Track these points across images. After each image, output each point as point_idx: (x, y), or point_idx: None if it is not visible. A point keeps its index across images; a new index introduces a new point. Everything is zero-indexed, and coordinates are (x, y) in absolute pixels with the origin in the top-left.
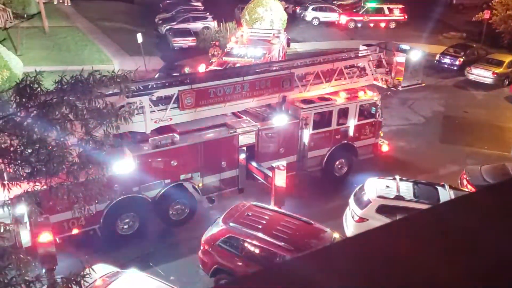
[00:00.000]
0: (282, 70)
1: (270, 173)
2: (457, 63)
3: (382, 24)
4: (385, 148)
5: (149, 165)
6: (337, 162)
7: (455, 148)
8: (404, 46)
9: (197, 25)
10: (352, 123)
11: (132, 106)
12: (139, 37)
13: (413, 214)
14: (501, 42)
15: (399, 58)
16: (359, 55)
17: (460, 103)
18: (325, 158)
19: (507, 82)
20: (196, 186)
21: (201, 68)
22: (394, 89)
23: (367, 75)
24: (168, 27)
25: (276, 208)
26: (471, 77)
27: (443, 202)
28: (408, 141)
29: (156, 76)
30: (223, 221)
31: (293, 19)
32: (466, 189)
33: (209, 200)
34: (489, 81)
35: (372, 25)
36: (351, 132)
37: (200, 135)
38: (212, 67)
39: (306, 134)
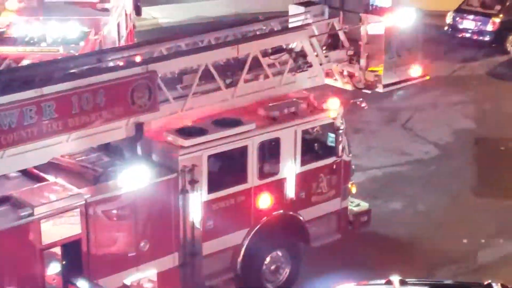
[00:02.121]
0: (130, 67)
1: None
2: (489, 28)
3: None
4: (363, 217)
5: None
6: (268, 260)
7: (505, 205)
8: (381, 1)
9: None
10: (290, 169)
11: None
12: None
13: None
14: None
15: (373, 28)
16: (290, 25)
17: (506, 109)
18: (241, 253)
19: None
20: None
21: None
22: (369, 91)
23: (310, 66)
24: None
25: None
26: None
27: None
28: (411, 197)
29: None
30: None
31: None
32: None
33: None
34: None
35: None
36: (290, 191)
37: None
38: None
39: (196, 204)
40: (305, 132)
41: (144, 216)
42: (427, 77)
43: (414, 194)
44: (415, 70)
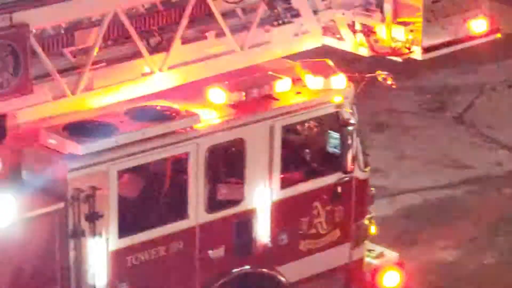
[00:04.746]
0: None
1: None
2: None
3: None
4: (390, 277)
5: None
6: None
7: None
8: None
9: None
10: (263, 195)
11: None
12: None
13: None
14: None
15: None
16: None
17: None
18: None
19: None
20: None
21: None
22: (400, 59)
23: (297, 16)
24: None
25: None
26: None
27: None
28: (473, 242)
29: None
30: None
31: None
32: None
33: None
34: None
35: None
36: (263, 231)
37: None
38: None
39: (99, 255)
40: (288, 129)
41: (8, 276)
42: (498, 35)
43: (478, 237)
44: (478, 23)
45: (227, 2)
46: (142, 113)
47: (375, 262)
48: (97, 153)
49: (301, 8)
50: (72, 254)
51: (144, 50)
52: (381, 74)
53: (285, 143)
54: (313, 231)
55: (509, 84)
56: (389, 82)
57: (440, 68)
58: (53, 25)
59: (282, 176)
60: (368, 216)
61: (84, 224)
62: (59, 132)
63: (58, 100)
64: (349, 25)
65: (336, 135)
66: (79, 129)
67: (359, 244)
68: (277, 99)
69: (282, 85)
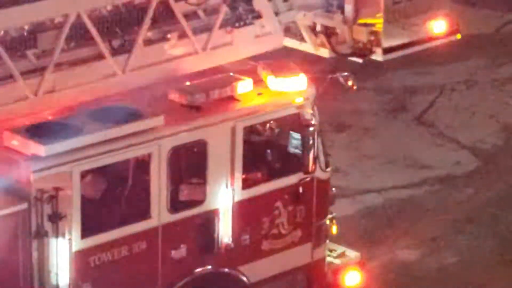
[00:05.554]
0: None
1: None
2: None
3: None
4: (351, 277)
5: None
6: None
7: None
8: None
9: None
10: (225, 195)
11: None
12: None
13: None
14: None
15: None
16: None
17: None
18: None
19: None
20: None
21: None
22: (360, 60)
23: (258, 17)
24: None
25: None
26: None
27: None
28: (433, 242)
29: None
30: None
31: None
32: None
33: None
34: None
35: None
36: (225, 231)
37: None
38: None
39: (62, 255)
40: (250, 130)
41: None
42: (458, 36)
43: (438, 236)
44: (438, 24)
45: (189, 4)
46: (105, 114)
47: (337, 261)
48: (60, 154)
49: (263, 9)
50: (35, 254)
51: (106, 52)
52: (342, 75)
53: (246, 144)
54: (275, 231)
55: (468, 84)
56: (350, 83)
57: (400, 68)
58: (16, 27)
59: (244, 176)
60: (329, 216)
61: (47, 225)
62: (22, 133)
63: (21, 101)
64: (310, 27)
65: (297, 135)
66: (42, 130)
67: (321, 244)
68: (238, 100)
69: (243, 86)
